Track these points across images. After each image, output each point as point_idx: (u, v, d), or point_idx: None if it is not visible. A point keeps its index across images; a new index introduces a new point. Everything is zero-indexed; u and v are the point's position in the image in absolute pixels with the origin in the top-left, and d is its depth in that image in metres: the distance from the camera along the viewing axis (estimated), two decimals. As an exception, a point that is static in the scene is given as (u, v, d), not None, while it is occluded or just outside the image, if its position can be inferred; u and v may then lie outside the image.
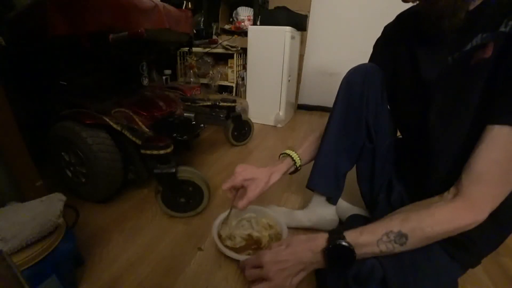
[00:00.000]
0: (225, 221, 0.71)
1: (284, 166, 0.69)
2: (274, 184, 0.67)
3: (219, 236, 0.67)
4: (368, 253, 0.45)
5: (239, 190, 0.66)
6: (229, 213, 0.70)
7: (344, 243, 0.44)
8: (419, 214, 0.44)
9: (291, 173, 0.73)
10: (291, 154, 0.71)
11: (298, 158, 0.71)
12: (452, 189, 0.45)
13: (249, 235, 0.69)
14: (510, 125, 0.38)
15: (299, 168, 0.72)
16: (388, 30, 0.65)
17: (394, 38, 0.61)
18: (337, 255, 0.45)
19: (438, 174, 0.51)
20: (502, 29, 0.40)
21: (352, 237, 0.45)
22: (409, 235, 0.43)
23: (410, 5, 0.51)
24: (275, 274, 0.47)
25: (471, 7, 0.44)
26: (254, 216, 0.75)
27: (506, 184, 0.41)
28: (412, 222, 0.43)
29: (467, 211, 0.42)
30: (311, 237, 0.49)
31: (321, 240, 0.47)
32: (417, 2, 0.48)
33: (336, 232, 0.47)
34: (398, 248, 0.44)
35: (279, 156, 0.74)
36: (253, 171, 0.65)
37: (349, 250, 0.44)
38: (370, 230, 0.45)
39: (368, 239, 0.45)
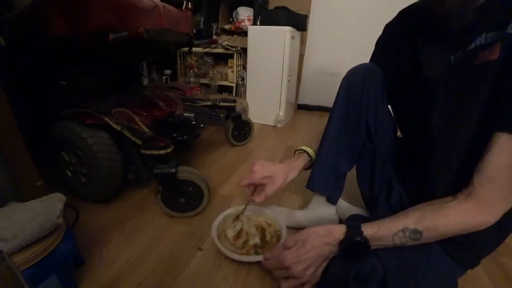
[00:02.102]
0: (238, 217, 0.72)
1: (301, 162, 0.72)
2: (292, 181, 0.70)
3: (218, 236, 0.67)
4: (382, 244, 0.48)
5: (257, 187, 0.69)
6: (244, 209, 0.73)
7: (361, 239, 0.47)
8: (434, 214, 0.45)
9: (306, 169, 0.75)
10: (307, 150, 0.73)
11: (314, 154, 0.73)
12: (464, 191, 0.45)
13: (239, 232, 0.69)
14: None
15: None
16: (390, 28, 0.64)
17: (396, 36, 0.60)
18: (353, 247, 0.48)
19: (440, 174, 0.51)
20: (510, 30, 0.39)
21: (369, 231, 0.47)
22: (424, 232, 0.45)
23: (412, 1, 0.51)
24: (301, 272, 0.49)
25: (476, 4, 0.44)
26: (251, 215, 0.75)
27: None
28: (428, 221, 0.45)
29: (480, 212, 0.43)
30: (328, 231, 0.51)
31: (339, 233, 0.49)
32: None
33: (354, 226, 0.49)
34: (410, 242, 0.46)
35: (295, 153, 0.76)
36: (271, 169, 0.68)
37: (365, 244, 0.47)
38: (388, 226, 0.47)
39: (384, 234, 0.47)
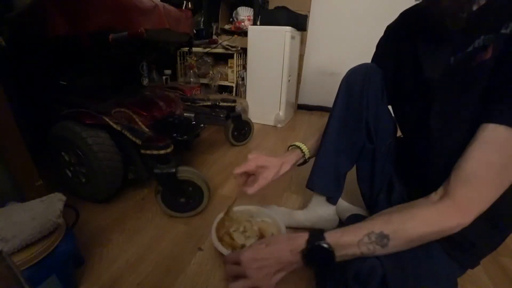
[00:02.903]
0: (228, 211, 0.71)
1: (294, 157, 0.71)
2: (284, 174, 0.68)
3: (218, 237, 0.67)
4: (349, 254, 0.44)
5: (250, 177, 0.67)
6: (233, 202, 0.71)
7: (323, 245, 0.43)
8: (402, 215, 0.43)
9: (299, 165, 0.74)
10: (300, 146, 0.73)
11: (307, 150, 0.72)
12: (439, 190, 0.44)
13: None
14: (505, 124, 0.37)
15: (308, 160, 0.74)
16: (391, 29, 0.64)
17: (397, 37, 0.60)
18: (316, 256, 0.44)
19: (438, 174, 0.51)
20: (503, 30, 0.40)
21: (332, 238, 0.44)
22: (390, 236, 0.41)
23: (413, 2, 0.51)
24: (253, 271, 0.47)
25: (475, 7, 0.44)
26: (266, 220, 0.73)
27: (496, 187, 0.39)
28: (394, 223, 0.42)
29: (453, 213, 0.40)
30: (292, 237, 0.48)
31: (301, 240, 0.46)
32: None
33: (317, 233, 0.46)
34: (379, 250, 0.42)
35: (288, 148, 0.75)
36: (266, 159, 0.66)
37: (328, 251, 0.43)
38: (352, 231, 0.44)
39: (348, 240, 0.43)
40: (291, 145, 0.75)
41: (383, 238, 0.41)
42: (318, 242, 0.44)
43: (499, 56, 0.40)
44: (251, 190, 0.63)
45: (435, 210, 0.41)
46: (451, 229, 0.40)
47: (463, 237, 0.45)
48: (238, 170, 0.65)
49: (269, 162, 0.66)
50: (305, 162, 0.74)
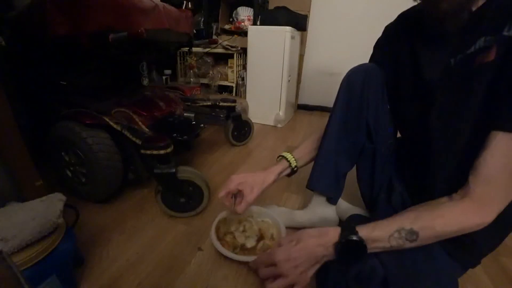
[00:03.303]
0: (224, 221, 0.71)
1: (278, 167, 0.71)
2: (270, 185, 0.68)
3: (217, 237, 0.67)
4: (379, 247, 0.46)
5: (236, 196, 0.67)
6: (227, 217, 0.71)
7: (356, 238, 0.45)
8: (430, 214, 0.45)
9: (288, 175, 0.73)
10: (286, 156, 0.72)
11: (293, 160, 0.72)
12: (460, 191, 0.45)
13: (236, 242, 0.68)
14: None
15: (296, 170, 0.73)
16: (389, 30, 0.64)
17: (396, 38, 0.60)
18: (349, 249, 0.46)
19: (438, 175, 0.51)
20: (505, 33, 0.40)
21: (364, 232, 0.46)
22: (420, 233, 0.44)
23: (412, 3, 0.51)
24: (289, 270, 0.48)
25: (474, 8, 0.44)
26: (252, 219, 0.74)
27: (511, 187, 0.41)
28: (424, 221, 0.44)
29: (476, 212, 0.42)
30: (323, 232, 0.50)
31: (333, 234, 0.48)
32: (420, 0, 0.48)
33: (349, 228, 0.48)
34: (408, 244, 0.45)
35: (277, 159, 0.75)
36: (246, 175, 0.67)
37: (361, 245, 0.45)
38: (383, 226, 0.46)
39: (380, 235, 0.45)
40: (278, 156, 0.75)
41: (412, 234, 0.44)
42: (351, 236, 0.46)
43: (504, 60, 0.40)
44: (239, 209, 0.65)
45: (460, 210, 0.44)
46: (475, 227, 0.43)
47: (465, 236, 0.45)
48: (221, 193, 0.66)
49: (250, 178, 0.67)
50: (293, 172, 0.73)
